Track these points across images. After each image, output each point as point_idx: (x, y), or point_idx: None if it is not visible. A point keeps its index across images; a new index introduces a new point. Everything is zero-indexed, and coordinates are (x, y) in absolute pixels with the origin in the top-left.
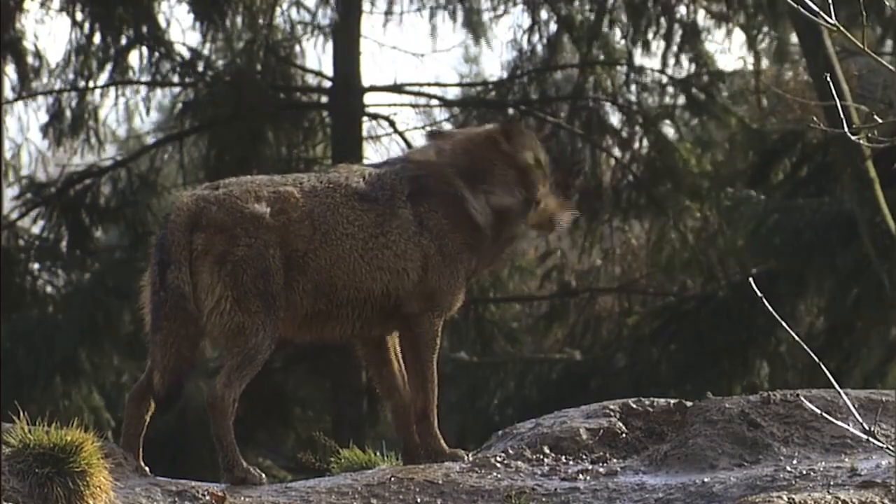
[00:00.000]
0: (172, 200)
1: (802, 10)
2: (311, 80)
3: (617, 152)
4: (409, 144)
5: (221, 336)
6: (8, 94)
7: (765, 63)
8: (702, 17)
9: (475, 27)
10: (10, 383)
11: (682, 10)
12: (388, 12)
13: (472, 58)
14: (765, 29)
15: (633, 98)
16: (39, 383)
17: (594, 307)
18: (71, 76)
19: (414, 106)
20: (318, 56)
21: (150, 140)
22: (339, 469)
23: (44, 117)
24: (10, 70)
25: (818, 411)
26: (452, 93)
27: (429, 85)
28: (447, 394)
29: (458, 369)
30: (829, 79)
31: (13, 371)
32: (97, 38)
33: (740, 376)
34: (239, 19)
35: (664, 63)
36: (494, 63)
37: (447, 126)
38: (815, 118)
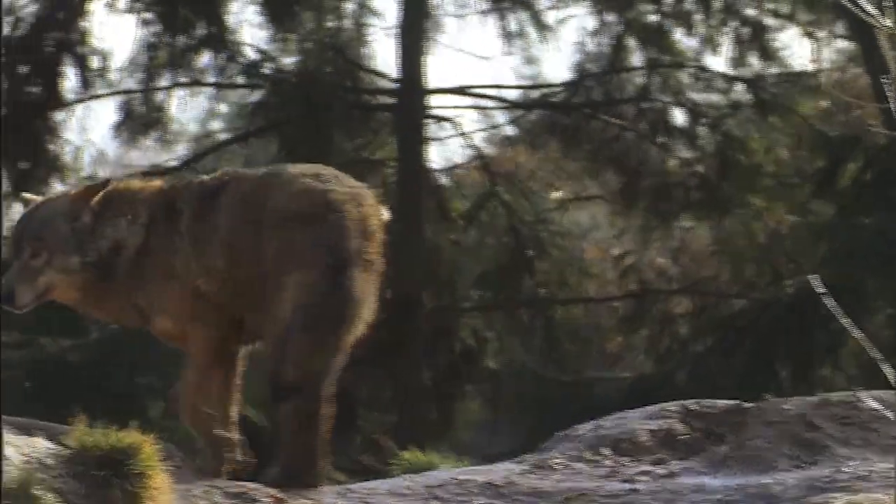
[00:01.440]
0: (324, 197)
1: (856, 10)
2: (378, 81)
3: (684, 153)
4: (473, 146)
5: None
6: (69, 95)
7: (830, 63)
8: (768, 16)
9: (539, 30)
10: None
11: (748, 10)
12: (454, 14)
13: (535, 60)
14: (828, 30)
15: (699, 98)
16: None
17: (660, 309)
18: (138, 77)
19: (477, 108)
20: (384, 58)
21: (217, 140)
22: (399, 471)
23: (107, 118)
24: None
25: (878, 407)
26: (516, 95)
27: (493, 87)
28: (513, 395)
29: (524, 371)
30: (885, 81)
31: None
32: (164, 39)
33: (801, 380)
34: (307, 20)
35: (730, 62)
36: (558, 65)
37: (509, 130)
38: (873, 122)
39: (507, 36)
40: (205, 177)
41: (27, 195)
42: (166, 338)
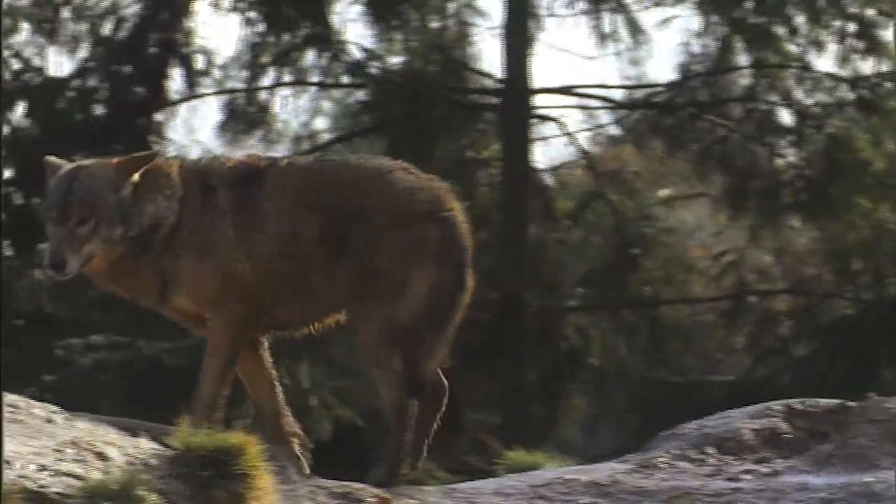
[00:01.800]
0: (433, 194)
1: None
2: (483, 81)
3: (790, 153)
4: (578, 146)
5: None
6: (173, 95)
7: None
8: (873, 14)
9: (633, 34)
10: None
11: (854, 7)
12: (557, 14)
13: (638, 60)
14: None
15: (805, 98)
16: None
17: (762, 308)
18: (242, 76)
19: (582, 108)
20: (489, 57)
21: (320, 139)
22: (504, 470)
23: (212, 117)
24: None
25: None
26: (621, 95)
27: (597, 87)
28: (618, 395)
29: (627, 370)
30: None
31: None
32: (268, 38)
33: None
34: (412, 19)
35: (837, 62)
36: (663, 65)
37: (613, 129)
38: None
39: (603, 38)
40: (223, 158)
41: (52, 159)
42: (178, 316)
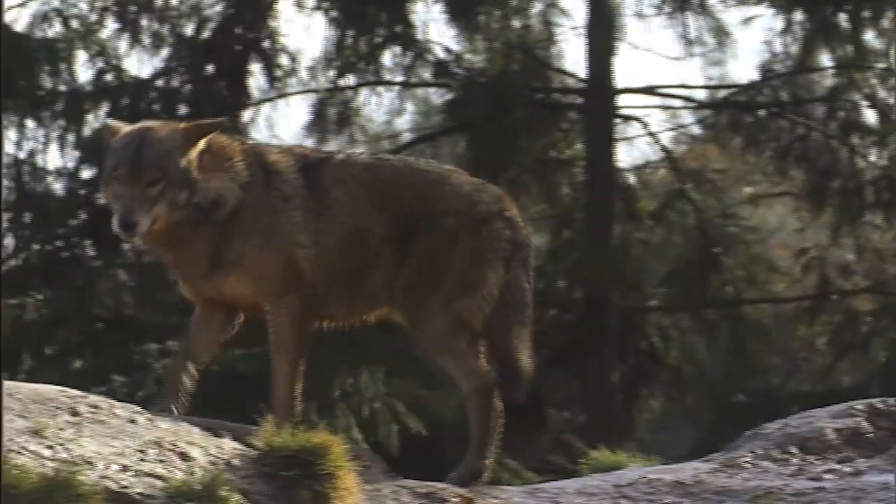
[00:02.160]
0: (496, 194)
1: None
2: (567, 81)
3: (873, 153)
4: (661, 146)
5: None
6: (257, 94)
7: None
8: None
9: (717, 38)
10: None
11: None
12: (639, 15)
13: (720, 61)
14: None
15: (889, 98)
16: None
17: (847, 307)
18: (327, 75)
19: (664, 108)
20: (572, 57)
21: (405, 139)
22: (588, 470)
23: (295, 116)
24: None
25: None
26: (703, 94)
27: (679, 87)
28: (698, 394)
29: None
30: None
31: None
32: (352, 37)
33: None
34: (494, 19)
35: None
36: (745, 64)
37: (696, 129)
38: None
39: (687, 40)
40: (282, 145)
41: (111, 122)
42: (231, 301)
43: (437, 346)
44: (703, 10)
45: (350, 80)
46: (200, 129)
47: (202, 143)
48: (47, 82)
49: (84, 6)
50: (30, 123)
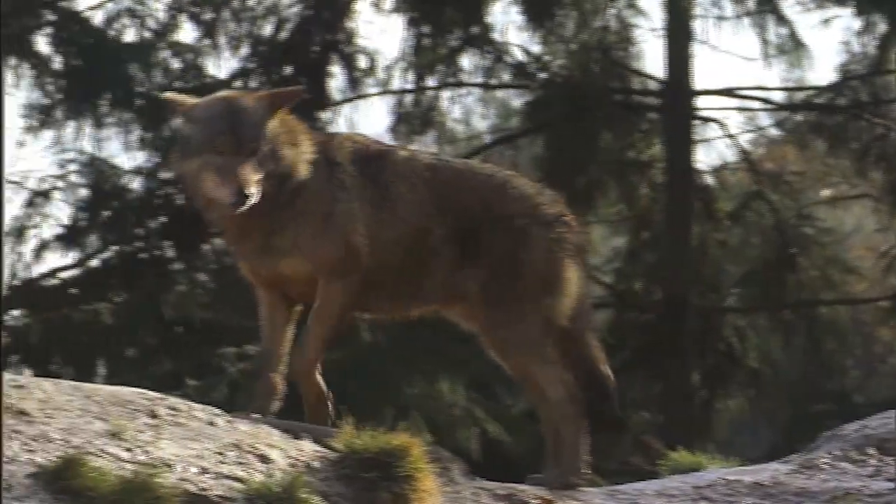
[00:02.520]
0: (557, 199)
1: None
2: (645, 82)
3: None
4: (739, 147)
5: None
6: (336, 95)
7: None
8: None
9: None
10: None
11: None
12: (717, 16)
13: (798, 63)
14: None
15: None
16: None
17: None
18: (406, 76)
19: (741, 109)
20: (651, 58)
21: (485, 140)
22: (667, 471)
23: (375, 117)
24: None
25: None
26: (781, 96)
27: (757, 88)
28: (776, 396)
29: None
30: None
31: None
32: (431, 39)
33: None
34: (572, 21)
35: None
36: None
37: (774, 130)
38: None
39: (765, 43)
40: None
41: (174, 96)
42: (285, 280)
43: (524, 350)
44: (781, 20)
45: (429, 81)
46: (283, 98)
47: (279, 114)
48: (127, 82)
49: (160, 7)
50: (107, 122)
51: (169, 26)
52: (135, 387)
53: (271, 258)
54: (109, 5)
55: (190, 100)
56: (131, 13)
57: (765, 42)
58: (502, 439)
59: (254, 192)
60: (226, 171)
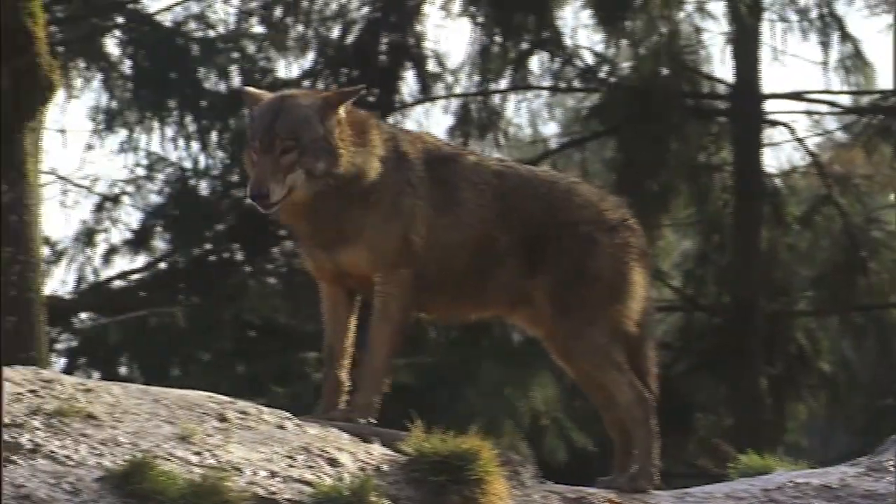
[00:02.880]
0: (619, 203)
1: None
2: (714, 85)
3: None
4: (808, 151)
5: None
6: (406, 98)
7: None
8: None
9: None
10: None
11: None
12: (784, 20)
13: (865, 65)
14: None
15: None
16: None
17: None
18: (474, 80)
19: (809, 113)
20: (720, 62)
21: (553, 144)
22: (737, 474)
23: (444, 120)
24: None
25: None
26: (849, 100)
27: (826, 92)
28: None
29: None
30: None
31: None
32: (499, 42)
33: None
34: (641, 25)
35: None
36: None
37: (842, 134)
38: None
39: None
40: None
41: (250, 89)
42: (345, 273)
43: (596, 357)
44: (846, 37)
45: (497, 84)
46: (340, 97)
47: (342, 112)
48: (196, 84)
49: (230, 9)
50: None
51: (238, 28)
52: (210, 391)
53: (335, 250)
54: (178, 8)
55: (263, 96)
56: (201, 17)
57: (828, 54)
58: (586, 446)
59: (276, 191)
60: (254, 169)
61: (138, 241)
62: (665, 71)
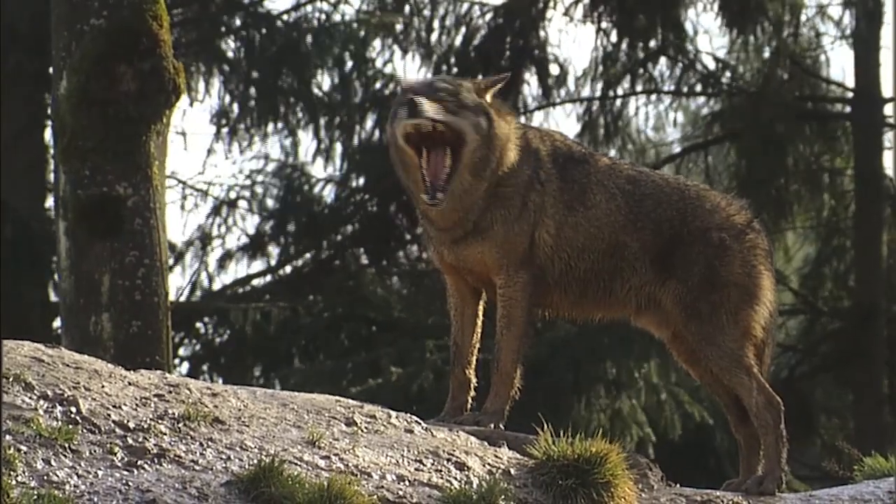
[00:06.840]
0: (742, 207)
1: None
2: (834, 90)
3: None
4: None
5: None
6: (530, 102)
7: None
8: None
9: None
10: (545, 395)
11: None
12: None
13: None
14: None
15: None
16: (580, 396)
17: None
18: (597, 85)
19: None
20: (838, 66)
21: (675, 149)
22: (861, 477)
23: (566, 124)
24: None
25: None
26: None
27: None
28: None
29: None
30: None
31: (548, 383)
32: (622, 47)
33: None
34: (764, 29)
35: None
36: None
37: None
38: None
39: None
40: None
41: (406, 77)
42: (469, 269)
43: (728, 361)
44: None
45: (619, 89)
46: (490, 83)
47: (488, 97)
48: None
49: (349, 13)
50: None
51: (358, 33)
52: (332, 387)
53: (463, 245)
54: (295, 13)
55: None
56: (321, 21)
57: None
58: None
59: (445, 188)
60: (431, 165)
61: (254, 247)
62: (785, 75)
